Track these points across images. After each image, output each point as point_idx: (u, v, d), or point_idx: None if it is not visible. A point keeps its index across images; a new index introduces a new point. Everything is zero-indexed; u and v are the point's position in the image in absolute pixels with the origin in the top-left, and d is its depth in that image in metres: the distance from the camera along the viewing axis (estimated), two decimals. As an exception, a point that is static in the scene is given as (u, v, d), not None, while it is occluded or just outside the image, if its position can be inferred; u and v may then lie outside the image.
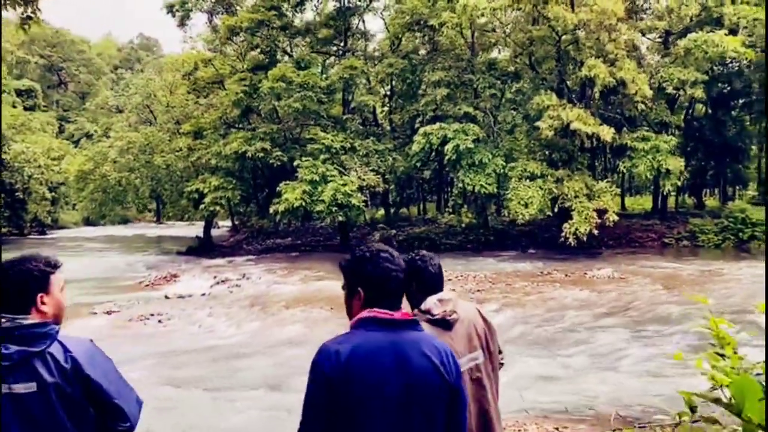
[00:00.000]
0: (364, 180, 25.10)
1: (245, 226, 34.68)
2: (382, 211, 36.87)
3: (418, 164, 27.88)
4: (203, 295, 17.99)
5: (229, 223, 40.25)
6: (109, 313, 15.58)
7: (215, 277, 21.02)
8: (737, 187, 41.44)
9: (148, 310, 15.57)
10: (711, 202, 38.88)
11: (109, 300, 17.22)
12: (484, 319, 3.12)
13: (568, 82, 26.45)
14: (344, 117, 29.06)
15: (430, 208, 38.97)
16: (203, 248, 30.39)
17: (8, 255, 2.47)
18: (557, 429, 6.92)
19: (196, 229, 36.68)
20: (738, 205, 29.60)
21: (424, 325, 2.86)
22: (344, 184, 24.37)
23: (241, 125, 29.46)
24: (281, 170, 26.82)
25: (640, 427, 6.55)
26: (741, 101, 31.88)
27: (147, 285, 20.73)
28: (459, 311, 2.95)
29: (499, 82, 27.40)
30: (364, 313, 2.12)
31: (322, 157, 25.19)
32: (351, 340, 2.06)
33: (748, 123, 33.20)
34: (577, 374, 9.24)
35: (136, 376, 10.08)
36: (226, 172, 27.46)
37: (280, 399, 8.65)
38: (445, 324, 2.86)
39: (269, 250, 29.97)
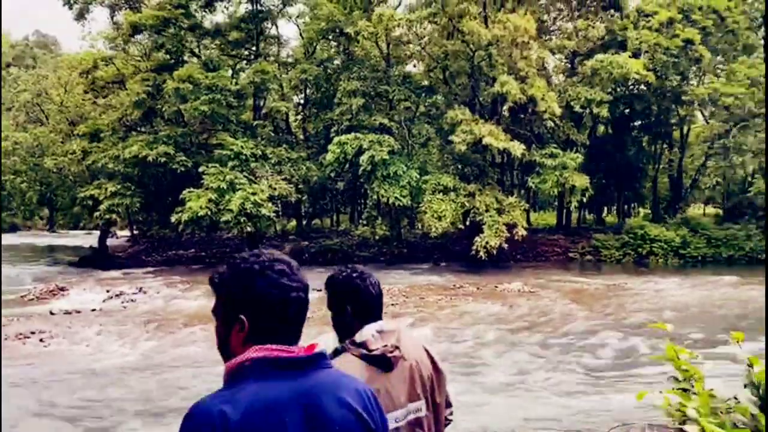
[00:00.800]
0: (275, 189, 24.11)
1: (145, 236, 32.61)
2: (294, 223, 35.89)
3: (332, 174, 27.25)
4: (94, 310, 16.46)
5: (128, 232, 37.82)
6: (-20, 331, 13.83)
7: (108, 291, 19.39)
8: (633, 205, 43.65)
9: (29, 328, 13.98)
10: (610, 218, 40.71)
11: (-18, 317, 15.38)
12: (432, 361, 2.44)
13: (480, 98, 26.76)
14: (255, 123, 27.95)
15: (344, 220, 38.39)
16: (97, 259, 28.23)
17: None
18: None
19: (92, 239, 34.10)
20: (637, 221, 30.96)
21: (356, 363, 2.19)
22: (254, 193, 23.29)
23: (142, 128, 27.67)
24: (185, 177, 25.30)
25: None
26: (640, 123, 33.51)
27: (31, 299, 18.83)
28: (403, 348, 2.28)
29: (413, 95, 27.32)
30: (252, 353, 1.44)
31: (230, 163, 24.00)
32: (240, 395, 1.37)
33: (645, 144, 34.95)
34: (496, 394, 8.86)
35: (3, 406, 8.77)
36: (125, 178, 25.60)
37: None
38: (384, 363, 2.21)
39: (170, 262, 28.28)
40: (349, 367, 2.15)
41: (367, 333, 2.26)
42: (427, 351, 2.45)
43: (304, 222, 36.15)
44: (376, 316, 2.33)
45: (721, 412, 2.60)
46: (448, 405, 2.55)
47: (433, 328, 13.28)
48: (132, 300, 17.90)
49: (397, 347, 2.26)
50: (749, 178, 35.13)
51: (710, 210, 40.54)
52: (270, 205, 23.56)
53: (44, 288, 20.14)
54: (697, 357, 2.86)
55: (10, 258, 32.38)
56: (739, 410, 2.56)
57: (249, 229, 23.64)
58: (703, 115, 35.77)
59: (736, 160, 26.87)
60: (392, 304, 16.26)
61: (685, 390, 2.71)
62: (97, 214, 25.09)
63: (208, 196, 22.92)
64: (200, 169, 23.82)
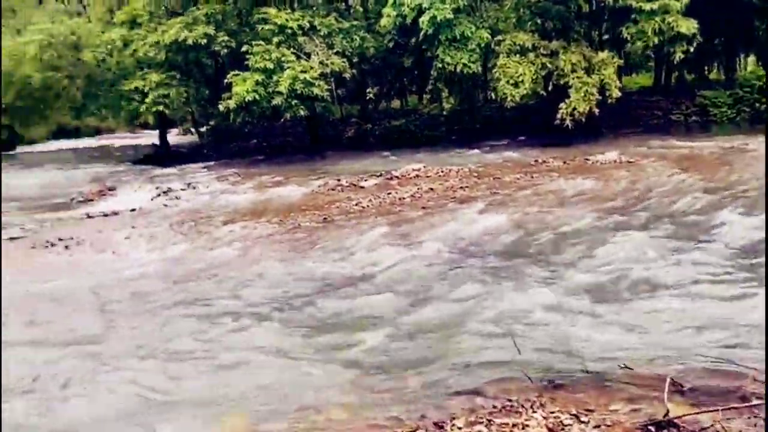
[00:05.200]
0: (327, 65, 21.46)
1: (208, 130, 31.11)
2: (359, 107, 33.27)
3: (391, 44, 24.19)
4: (133, 210, 15.10)
5: (192, 128, 36.36)
6: (12, 239, 12.74)
7: (158, 188, 18.03)
8: (740, 57, 37.30)
9: (60, 234, 12.71)
10: (713, 76, 35.20)
11: (19, 223, 14.35)
12: None
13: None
14: (301, -9, 24.95)
15: (413, 101, 35.28)
16: (159, 156, 27.27)
17: None
18: (575, 415, 4.21)
19: (171, 138, 32.66)
20: (754, 71, 26.13)
21: None
22: (304, 71, 20.77)
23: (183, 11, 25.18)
24: (233, 60, 23.08)
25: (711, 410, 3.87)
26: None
27: (81, 201, 17.79)
28: None
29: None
30: None
31: (275, 39, 21.37)
32: None
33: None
34: (593, 306, 6.47)
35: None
36: (170, 66, 23.66)
37: (163, 365, 5.91)
38: None
39: (232, 155, 26.82)
40: None
41: None
42: None
43: (371, 106, 33.42)
44: None
45: None
46: None
47: (510, 215, 10.82)
48: (176, 197, 16.42)
49: None
50: None
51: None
52: (323, 84, 21.05)
53: (92, 189, 19.10)
54: None
55: (79, 160, 31.89)
56: None
57: (302, 112, 21.35)
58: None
59: None
60: (461, 187, 13.85)
61: None
62: (143, 107, 23.52)
63: (255, 78, 20.67)
64: (243, 49, 21.43)
